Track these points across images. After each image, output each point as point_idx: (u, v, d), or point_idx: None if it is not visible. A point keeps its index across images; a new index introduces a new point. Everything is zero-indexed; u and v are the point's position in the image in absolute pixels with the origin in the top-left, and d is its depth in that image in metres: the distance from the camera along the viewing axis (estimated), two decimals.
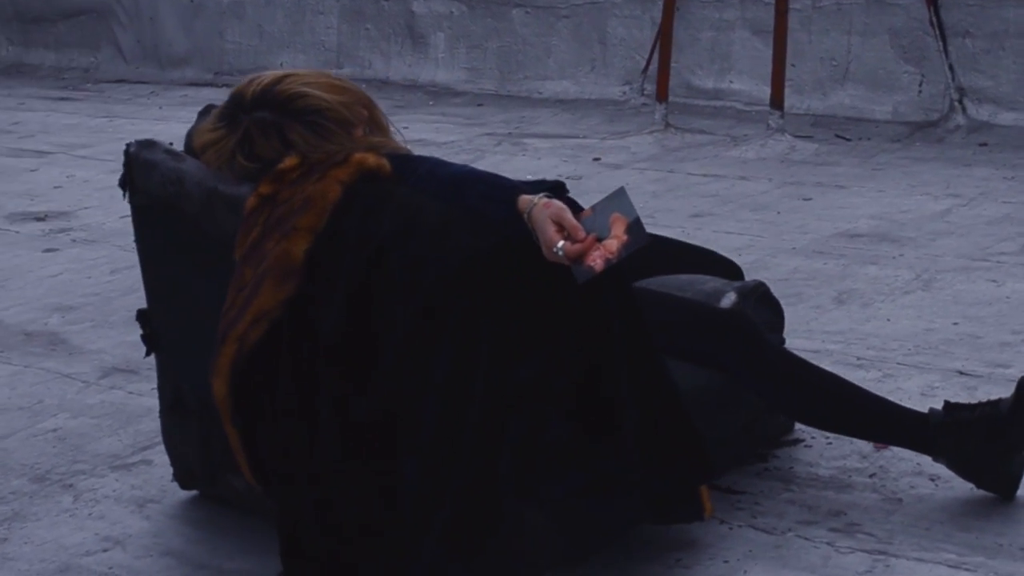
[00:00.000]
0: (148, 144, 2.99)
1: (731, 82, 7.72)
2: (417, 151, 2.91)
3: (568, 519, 2.62)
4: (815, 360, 3.82)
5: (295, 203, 2.66)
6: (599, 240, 2.41)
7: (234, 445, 2.78)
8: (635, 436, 2.60)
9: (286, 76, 2.82)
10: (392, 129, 2.95)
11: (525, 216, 2.49)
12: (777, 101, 6.81)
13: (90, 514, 3.24)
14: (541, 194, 2.50)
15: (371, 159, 2.72)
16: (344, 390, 2.60)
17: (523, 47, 8.54)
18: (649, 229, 2.42)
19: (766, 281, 4.40)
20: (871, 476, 3.14)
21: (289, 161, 2.72)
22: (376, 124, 2.92)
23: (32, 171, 7.33)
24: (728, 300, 3.18)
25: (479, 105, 8.39)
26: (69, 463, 3.54)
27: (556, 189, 2.56)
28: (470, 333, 2.50)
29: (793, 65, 7.42)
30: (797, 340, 4.03)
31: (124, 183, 2.99)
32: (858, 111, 7.30)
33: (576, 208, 2.52)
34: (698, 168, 6.46)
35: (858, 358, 3.89)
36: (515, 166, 6.68)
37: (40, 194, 6.76)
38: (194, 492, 3.25)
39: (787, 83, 7.35)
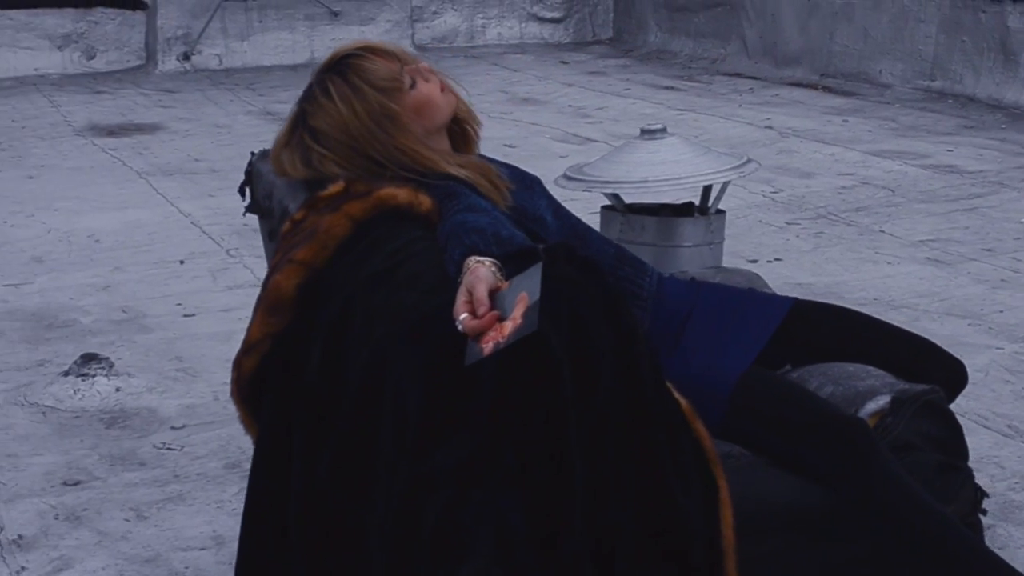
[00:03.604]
0: (266, 153, 2.93)
1: None
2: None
3: None
4: None
5: (306, 233, 2.52)
6: (502, 319, 2.10)
7: None
8: (583, 546, 2.23)
9: None
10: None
11: (459, 280, 2.21)
12: None
13: (233, 510, 3.26)
14: (477, 258, 2.21)
15: (402, 195, 2.51)
16: (312, 445, 2.42)
17: None
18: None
19: None
20: None
21: (334, 187, 2.57)
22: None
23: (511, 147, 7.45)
24: (875, 404, 2.68)
25: None
26: None
27: (522, 255, 2.25)
28: (400, 402, 2.26)
29: None
30: None
31: (242, 191, 2.95)
32: None
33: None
34: None
35: None
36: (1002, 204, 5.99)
37: None
38: None
39: None
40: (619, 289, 2.82)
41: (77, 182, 7.04)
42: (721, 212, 4.42)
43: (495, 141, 7.77)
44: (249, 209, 2.94)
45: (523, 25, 12.52)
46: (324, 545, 2.42)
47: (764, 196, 6.37)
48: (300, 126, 2.67)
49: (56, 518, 3.20)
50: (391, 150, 2.62)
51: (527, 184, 2.82)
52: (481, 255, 2.23)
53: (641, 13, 12.09)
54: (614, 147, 4.55)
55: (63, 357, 4.26)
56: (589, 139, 7.89)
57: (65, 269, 5.42)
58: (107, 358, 4.12)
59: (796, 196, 6.36)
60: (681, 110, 8.78)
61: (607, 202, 4.41)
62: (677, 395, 2.52)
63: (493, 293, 2.14)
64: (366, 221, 2.48)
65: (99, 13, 11.08)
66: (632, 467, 2.29)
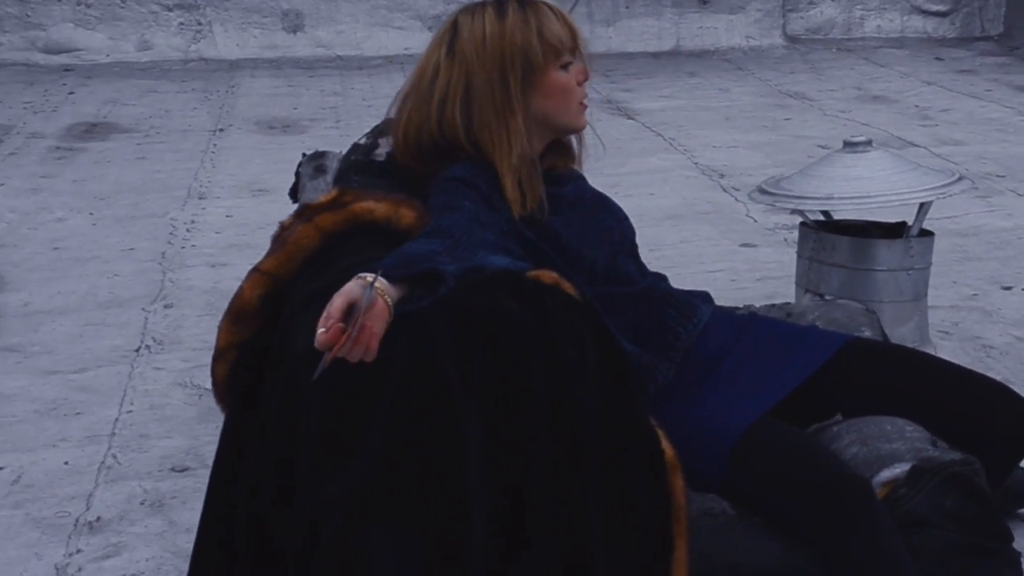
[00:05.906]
0: (315, 156, 2.89)
1: None
2: None
3: None
4: None
5: (279, 243, 2.45)
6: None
7: None
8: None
9: None
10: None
11: None
12: None
13: None
14: (361, 272, 2.10)
15: (380, 210, 2.42)
16: (261, 467, 2.36)
17: None
18: None
19: None
20: None
21: (324, 197, 2.50)
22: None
23: None
24: (890, 472, 2.42)
25: None
26: None
27: (421, 277, 2.12)
28: (307, 427, 2.17)
29: None
30: None
31: (292, 192, 2.92)
32: None
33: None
34: None
35: None
36: None
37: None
38: None
39: None
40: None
41: None
42: (928, 234, 4.09)
43: (811, 140, 7.49)
44: None
45: (905, 18, 11.97)
46: None
47: None
48: (451, 29, 2.56)
49: (141, 503, 3.28)
50: (491, 99, 2.51)
51: (593, 219, 2.64)
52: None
53: None
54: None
55: None
56: (911, 144, 7.47)
57: None
58: None
59: None
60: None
61: (819, 217, 4.16)
62: (665, 443, 2.36)
63: (351, 307, 2.05)
64: (337, 234, 2.41)
65: None
66: (550, 513, 2.15)
